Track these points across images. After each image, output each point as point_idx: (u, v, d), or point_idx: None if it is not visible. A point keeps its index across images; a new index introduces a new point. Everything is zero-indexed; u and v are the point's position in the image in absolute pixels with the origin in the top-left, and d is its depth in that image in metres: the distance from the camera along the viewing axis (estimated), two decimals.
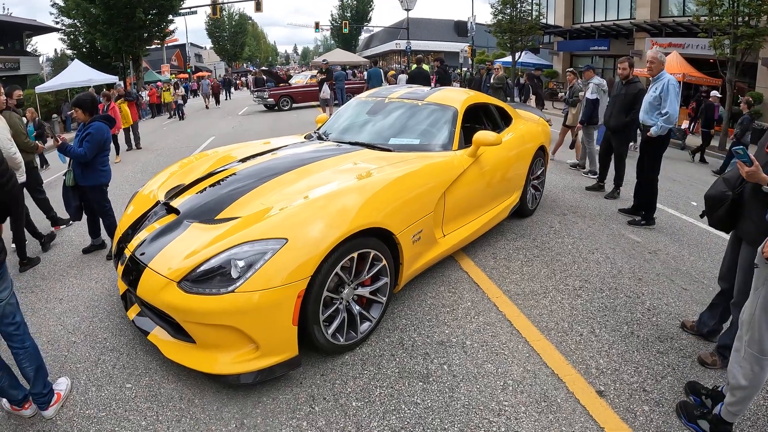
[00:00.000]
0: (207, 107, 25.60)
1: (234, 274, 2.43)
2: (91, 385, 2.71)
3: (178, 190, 3.45)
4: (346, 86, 16.52)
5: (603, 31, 23.34)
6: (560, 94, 10.77)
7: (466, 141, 4.09)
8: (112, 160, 9.51)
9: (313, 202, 2.76)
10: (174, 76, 39.60)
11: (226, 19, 61.84)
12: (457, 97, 4.51)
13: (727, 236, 2.97)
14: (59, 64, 38.10)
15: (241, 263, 2.44)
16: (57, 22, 27.51)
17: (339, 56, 35.82)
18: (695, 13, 14.74)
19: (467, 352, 2.94)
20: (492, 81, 12.63)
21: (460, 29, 46.40)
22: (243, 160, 3.76)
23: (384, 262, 2.96)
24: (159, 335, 2.73)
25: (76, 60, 23.37)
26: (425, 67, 14.66)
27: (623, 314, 3.46)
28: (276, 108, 19.71)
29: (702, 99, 14.96)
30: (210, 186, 3.35)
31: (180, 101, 20.58)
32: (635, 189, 5.72)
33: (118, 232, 3.37)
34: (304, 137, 4.54)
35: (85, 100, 4.33)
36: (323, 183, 3.04)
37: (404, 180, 3.19)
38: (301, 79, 22.97)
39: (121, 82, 23.18)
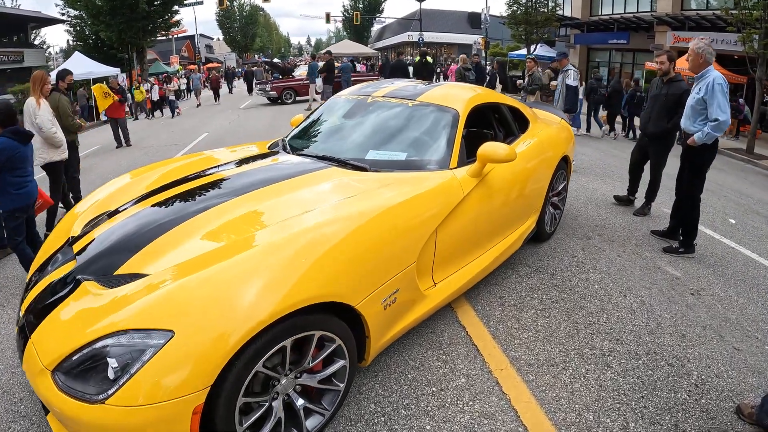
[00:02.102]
0: (199, 104, 22.26)
1: (110, 374, 1.63)
2: None
3: (99, 219, 2.66)
4: (353, 79, 15.60)
5: (622, 24, 22.21)
6: (519, 82, 10.31)
7: (471, 153, 3.19)
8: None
9: (227, 268, 1.88)
10: (182, 67, 38.96)
11: (236, 9, 61.14)
12: (460, 95, 3.57)
13: None
14: (71, 56, 37.66)
15: (114, 362, 1.63)
16: (63, 14, 27.06)
17: (346, 47, 34.73)
18: (724, 6, 13.64)
19: None
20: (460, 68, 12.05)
21: (473, 21, 45.12)
22: (179, 182, 2.92)
23: (339, 341, 2.10)
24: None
25: (76, 52, 22.89)
26: (429, 59, 13.69)
27: (665, 395, 2.58)
28: (279, 101, 18.88)
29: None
30: (130, 217, 2.53)
31: (172, 97, 19.06)
32: (673, 208, 4.78)
33: (30, 272, 2.59)
34: (268, 147, 3.67)
35: None
36: (259, 228, 2.19)
37: (374, 226, 2.30)
38: (304, 71, 22.14)
39: (123, 75, 22.59)
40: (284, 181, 2.69)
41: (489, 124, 4.07)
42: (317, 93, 13.96)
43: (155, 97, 19.34)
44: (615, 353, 2.91)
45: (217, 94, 23.64)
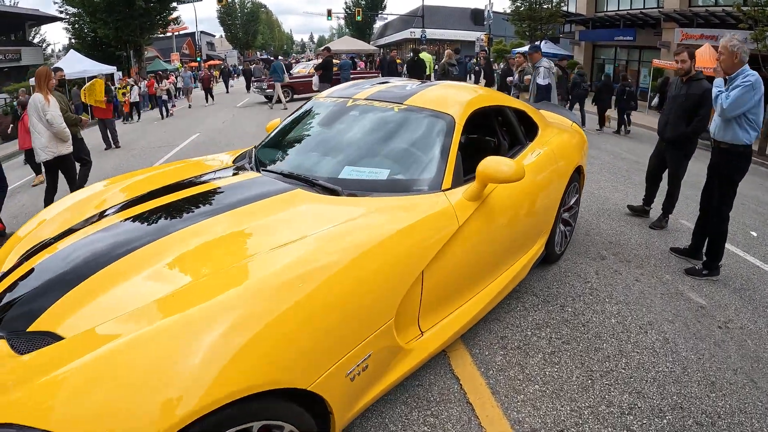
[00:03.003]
0: (190, 106, 20.18)
1: None
2: None
3: (36, 248, 2.20)
4: (352, 76, 15.05)
5: (628, 21, 21.61)
6: (509, 79, 9.91)
7: (470, 167, 2.68)
8: (31, 182, 8.21)
9: (133, 343, 1.39)
10: (182, 65, 38.49)
11: (237, 6, 60.70)
12: (456, 97, 3.05)
13: None
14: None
15: None
16: (61, 11, 26.71)
17: (346, 44, 34.16)
18: (735, 2, 13.08)
19: None
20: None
21: (476, 17, 44.43)
22: (130, 203, 2.44)
23: (289, 428, 1.61)
24: None
25: (71, 50, 22.55)
26: (424, 56, 13.15)
27: None
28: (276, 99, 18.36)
29: None
30: (54, 254, 2.06)
31: (165, 96, 17.71)
32: (696, 225, 4.29)
33: None
34: (234, 160, 3.17)
35: None
36: (183, 285, 1.69)
37: (335, 283, 1.76)
38: (303, 68, 21.62)
39: (119, 73, 22.16)
40: (235, 211, 2.21)
41: (492, 131, 3.56)
42: (314, 90, 13.47)
43: (134, 98, 16.99)
44: (636, 410, 2.42)
45: (209, 94, 21.41)
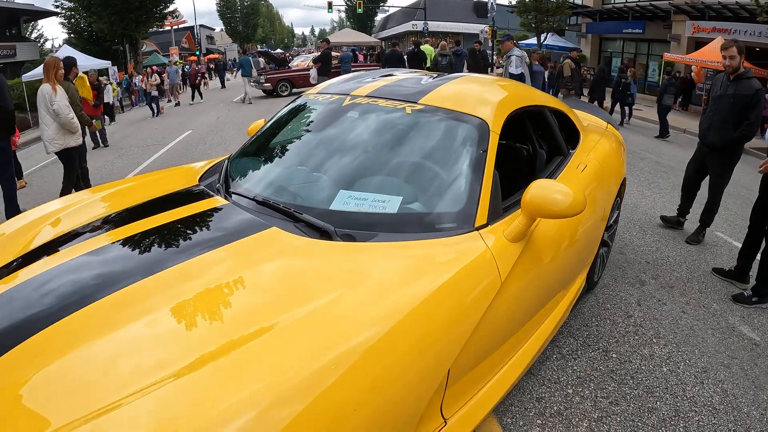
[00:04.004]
0: (177, 104, 18.02)
1: None
2: None
3: None
4: (354, 70, 14.46)
5: (637, 12, 20.96)
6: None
7: (507, 189, 2.13)
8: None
9: None
10: (180, 60, 37.86)
11: (237, 0, 59.95)
12: (487, 95, 2.40)
13: None
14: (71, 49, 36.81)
15: None
16: (57, 6, 26.22)
17: (348, 36, 33.49)
18: None
19: None
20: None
21: (479, 9, 43.67)
22: (29, 257, 1.81)
23: None
24: None
25: (65, 45, 22.07)
26: (425, 48, 12.60)
27: None
28: (274, 93, 17.77)
29: None
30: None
31: (155, 92, 15.83)
32: (744, 243, 3.76)
33: None
34: (201, 176, 2.54)
35: None
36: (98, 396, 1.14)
37: (324, 402, 1.16)
38: (302, 61, 21.04)
39: (115, 68, 21.61)
40: (183, 265, 1.61)
41: (527, 138, 2.84)
42: (312, 84, 12.89)
43: (108, 98, 13.86)
44: None
45: (197, 91, 18.74)
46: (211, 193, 2.21)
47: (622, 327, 3.05)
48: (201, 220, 1.96)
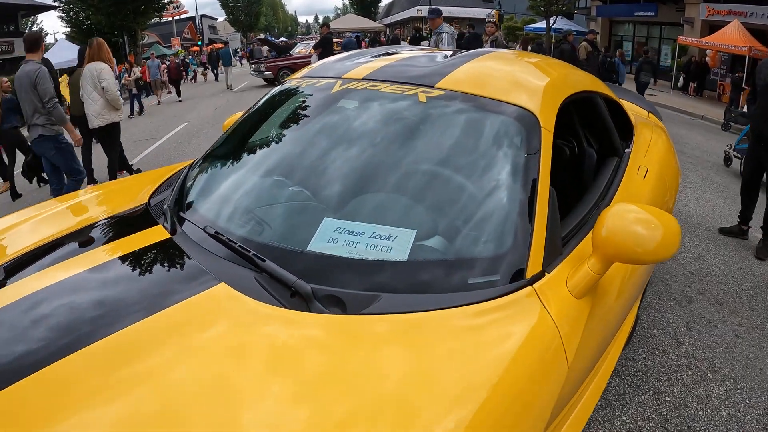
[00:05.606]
0: (159, 102, 15.93)
1: None
2: None
3: None
4: None
5: None
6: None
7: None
8: None
9: None
10: (183, 50, 37.32)
11: None
12: (532, 77, 1.77)
13: None
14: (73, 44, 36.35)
15: None
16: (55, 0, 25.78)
17: (350, 22, 32.73)
18: None
19: None
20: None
21: None
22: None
23: None
24: None
25: (60, 39, 21.72)
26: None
27: None
28: (275, 81, 17.29)
29: None
30: None
31: (135, 90, 14.06)
32: None
33: None
34: (154, 191, 1.90)
35: None
36: None
37: None
38: (303, 48, 20.55)
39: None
40: (62, 362, 0.99)
41: (573, 133, 2.14)
42: None
43: None
44: None
45: (177, 88, 16.92)
46: (156, 218, 1.62)
47: (673, 359, 2.53)
48: (123, 266, 1.35)
